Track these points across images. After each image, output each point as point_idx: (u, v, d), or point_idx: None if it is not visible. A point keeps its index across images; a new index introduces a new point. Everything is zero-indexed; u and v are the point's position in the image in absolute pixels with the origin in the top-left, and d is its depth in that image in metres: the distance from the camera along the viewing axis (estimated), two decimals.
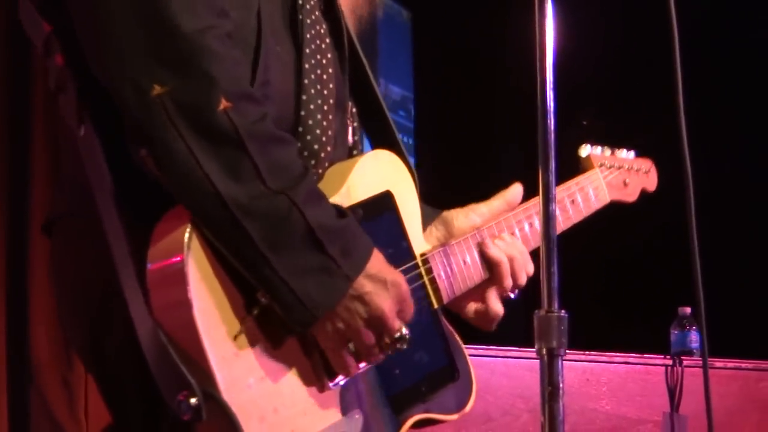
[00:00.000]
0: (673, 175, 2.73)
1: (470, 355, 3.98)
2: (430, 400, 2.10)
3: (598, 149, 2.58)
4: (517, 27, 3.34)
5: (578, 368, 4.11)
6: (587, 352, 4.16)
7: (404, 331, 1.90)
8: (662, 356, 4.37)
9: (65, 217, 1.96)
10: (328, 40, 2.04)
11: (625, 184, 2.60)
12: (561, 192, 2.40)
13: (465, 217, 2.25)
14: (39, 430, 4.56)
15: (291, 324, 1.80)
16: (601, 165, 2.55)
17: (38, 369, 4.53)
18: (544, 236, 1.86)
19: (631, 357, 4.31)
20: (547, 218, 1.85)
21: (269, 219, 1.73)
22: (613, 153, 2.61)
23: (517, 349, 4.05)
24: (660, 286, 5.32)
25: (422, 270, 2.11)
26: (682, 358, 4.36)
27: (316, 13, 2.04)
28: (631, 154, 2.67)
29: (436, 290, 2.14)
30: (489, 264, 2.20)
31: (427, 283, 2.12)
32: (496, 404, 3.98)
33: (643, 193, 2.68)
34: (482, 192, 2.41)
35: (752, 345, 4.53)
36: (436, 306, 2.14)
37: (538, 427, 4.00)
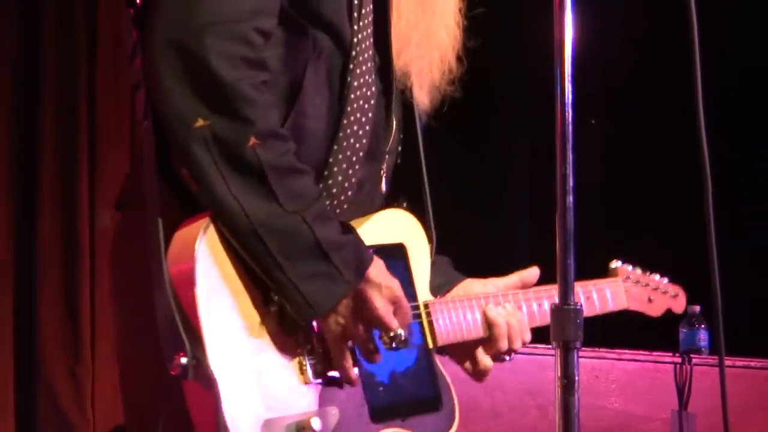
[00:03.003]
0: (692, 172, 2.75)
1: None
2: (408, 421, 2.26)
3: (629, 267, 2.71)
4: (528, 21, 3.34)
5: (587, 365, 4.11)
6: (596, 349, 4.17)
7: (400, 331, 2.14)
8: (671, 354, 4.37)
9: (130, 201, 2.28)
10: (373, 101, 2.30)
11: (650, 301, 2.75)
12: (577, 287, 2.50)
13: (482, 285, 2.47)
14: (46, 422, 4.57)
15: (298, 319, 2.10)
16: (626, 278, 2.69)
17: (45, 361, 4.54)
18: (560, 228, 1.87)
19: (640, 354, 4.31)
20: (564, 210, 1.86)
21: (284, 233, 2.06)
22: (644, 273, 2.74)
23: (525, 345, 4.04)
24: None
25: (422, 312, 2.33)
26: (691, 356, 4.35)
27: (369, 76, 2.28)
28: (664, 279, 2.80)
29: (433, 332, 2.32)
30: (488, 324, 2.38)
31: (425, 323, 2.32)
32: (505, 400, 3.99)
33: (668, 313, 2.80)
34: (489, 195, 2.43)
35: (761, 343, 4.53)
36: (431, 346, 2.32)
37: (547, 422, 4.03)
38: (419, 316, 2.30)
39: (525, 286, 2.48)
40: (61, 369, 4.56)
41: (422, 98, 2.42)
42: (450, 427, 2.34)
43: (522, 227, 5.88)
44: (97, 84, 4.75)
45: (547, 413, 4.01)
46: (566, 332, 1.83)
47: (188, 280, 2.04)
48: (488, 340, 2.40)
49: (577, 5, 1.93)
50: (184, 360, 2.01)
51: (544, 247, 2.14)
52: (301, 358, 2.12)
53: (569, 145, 1.87)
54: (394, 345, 2.13)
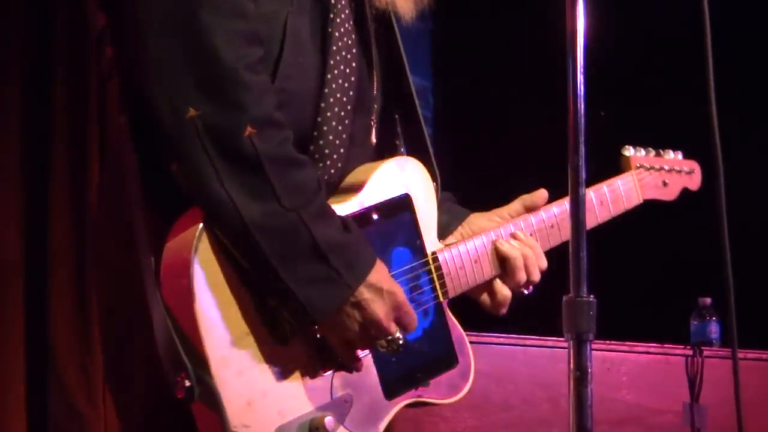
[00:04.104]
0: (703, 164, 2.74)
1: (491, 344, 3.99)
2: (424, 386, 2.22)
3: (642, 151, 2.68)
4: (539, 12, 3.33)
5: (598, 357, 4.10)
6: (607, 342, 4.16)
7: (398, 335, 2.07)
8: (682, 346, 4.36)
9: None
10: (355, 50, 2.17)
11: (665, 184, 2.71)
12: (590, 192, 2.52)
13: (488, 220, 2.41)
14: (56, 416, 4.57)
15: (297, 325, 2.01)
16: (639, 167, 2.65)
17: (56, 354, 4.54)
18: (572, 221, 1.86)
19: (652, 347, 4.30)
20: (577, 202, 1.86)
21: (280, 235, 1.94)
22: (657, 154, 2.71)
23: (537, 337, 4.05)
24: (680, 276, 5.31)
25: (432, 267, 2.26)
26: (702, 348, 4.35)
27: (348, 23, 2.17)
28: (679, 155, 2.76)
29: (443, 285, 2.27)
30: (501, 259, 2.33)
31: (435, 278, 2.26)
32: (516, 392, 3.99)
33: (684, 191, 2.76)
34: (503, 183, 2.43)
35: None
36: (442, 299, 2.27)
37: (558, 415, 4.03)
38: (429, 272, 2.24)
39: (530, 210, 2.42)
40: (73, 363, 4.56)
41: (406, 5, 2.26)
42: (465, 382, 2.30)
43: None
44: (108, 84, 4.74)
45: (558, 405, 4.00)
46: (579, 324, 1.82)
47: (185, 296, 1.93)
48: (505, 275, 2.34)
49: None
50: (187, 382, 1.90)
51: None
52: (307, 355, 2.04)
53: (581, 137, 1.86)
54: (390, 349, 2.07)
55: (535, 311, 2.85)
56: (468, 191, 2.56)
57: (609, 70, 4.50)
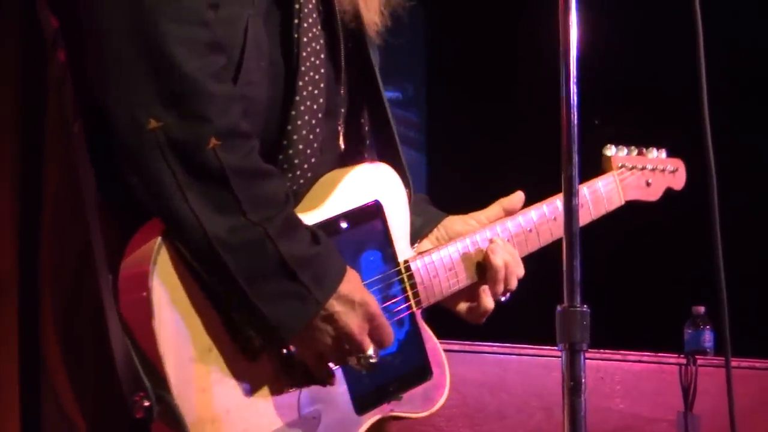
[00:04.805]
0: (695, 174, 2.73)
1: (484, 353, 3.99)
2: (396, 400, 2.17)
3: (624, 150, 2.62)
4: (533, 21, 3.33)
5: (592, 366, 4.10)
6: (601, 351, 4.16)
7: (370, 352, 2.00)
8: (676, 355, 4.36)
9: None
10: (323, 55, 2.12)
11: (648, 184, 2.65)
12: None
13: (464, 223, 2.36)
14: (50, 422, 4.55)
15: (265, 344, 1.94)
16: (621, 166, 2.60)
17: (47, 363, 4.53)
18: (566, 230, 1.86)
19: (645, 356, 4.30)
20: (570, 212, 1.86)
21: (246, 251, 1.87)
22: (640, 153, 2.65)
23: (531, 346, 4.04)
24: (674, 285, 5.31)
25: (404, 276, 2.20)
26: (696, 357, 4.34)
27: (316, 28, 2.11)
28: (662, 153, 2.71)
29: (416, 295, 2.22)
30: (481, 268, 2.29)
31: (408, 287, 2.20)
32: (510, 402, 3.98)
33: (668, 192, 2.71)
34: (496, 191, 2.43)
35: (766, 344, 4.51)
36: (415, 309, 2.22)
37: (552, 424, 4.02)
38: (401, 281, 2.19)
39: (508, 214, 2.38)
40: (63, 372, 4.55)
41: (373, 19, 2.21)
42: (440, 395, 2.26)
43: None
44: None
45: (552, 415, 4.00)
46: (573, 334, 1.82)
47: (143, 311, 1.84)
48: (482, 284, 2.29)
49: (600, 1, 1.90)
50: (146, 402, 1.82)
51: None
52: (273, 368, 1.98)
53: (575, 147, 1.85)
54: (361, 364, 2.00)
55: (529, 320, 2.85)
56: (455, 196, 2.54)
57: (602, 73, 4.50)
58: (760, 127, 5.64)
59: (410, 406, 2.20)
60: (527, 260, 2.38)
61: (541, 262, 2.43)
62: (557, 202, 2.41)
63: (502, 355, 3.98)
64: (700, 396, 4.26)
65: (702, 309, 4.56)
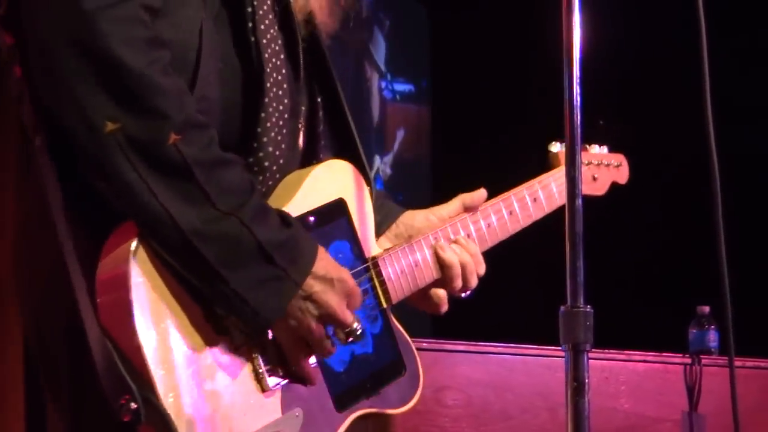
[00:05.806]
0: (699, 173, 2.73)
1: (489, 353, 3.99)
2: (374, 396, 2.19)
3: None
4: (538, 20, 3.34)
5: (596, 366, 4.10)
6: (606, 351, 4.16)
7: (356, 325, 2.03)
8: (681, 355, 4.36)
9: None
10: (282, 56, 2.13)
11: (594, 179, 2.75)
12: (523, 191, 2.53)
13: (425, 218, 2.40)
14: (54, 424, 4.56)
15: (249, 331, 1.96)
16: None
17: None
18: (569, 231, 1.87)
19: (650, 355, 4.30)
20: (573, 213, 1.87)
21: (222, 241, 1.88)
22: (584, 149, 2.72)
23: (536, 347, 4.04)
24: (678, 285, 5.31)
25: (372, 273, 2.24)
26: (701, 356, 4.34)
27: (274, 29, 2.12)
28: (604, 149, 2.80)
29: (386, 291, 2.25)
30: (441, 266, 2.33)
31: (377, 284, 2.24)
32: (515, 402, 3.98)
33: (614, 186, 2.79)
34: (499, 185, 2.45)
35: None
36: (384, 305, 2.25)
37: (557, 425, 4.02)
38: (370, 278, 2.22)
39: (469, 210, 2.43)
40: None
41: (327, 20, 2.25)
42: (416, 389, 2.28)
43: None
44: None
45: (557, 415, 4.00)
46: (576, 335, 1.82)
47: (125, 312, 1.83)
48: (442, 280, 2.34)
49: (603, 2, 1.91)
50: (133, 405, 1.81)
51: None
52: (255, 365, 1.99)
53: (578, 148, 1.86)
54: (350, 340, 2.04)
55: (534, 320, 2.85)
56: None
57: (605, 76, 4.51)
58: (764, 127, 5.64)
59: (388, 401, 2.23)
60: (530, 262, 2.39)
61: (545, 263, 2.44)
62: (512, 197, 2.49)
63: (507, 356, 3.98)
64: (705, 396, 4.26)
65: (707, 309, 4.56)
